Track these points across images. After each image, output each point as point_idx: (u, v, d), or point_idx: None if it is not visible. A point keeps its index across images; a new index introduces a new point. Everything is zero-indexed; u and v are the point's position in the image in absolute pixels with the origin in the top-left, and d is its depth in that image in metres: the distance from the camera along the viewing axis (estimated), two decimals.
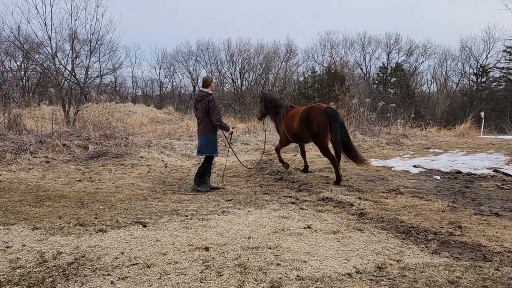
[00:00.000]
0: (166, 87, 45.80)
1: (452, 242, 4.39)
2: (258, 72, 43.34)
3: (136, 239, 4.25)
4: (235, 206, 5.85)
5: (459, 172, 9.10)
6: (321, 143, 7.98)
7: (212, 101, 6.92)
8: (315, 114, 7.96)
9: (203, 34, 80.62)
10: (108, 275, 3.36)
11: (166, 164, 9.62)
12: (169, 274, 3.39)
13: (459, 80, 45.42)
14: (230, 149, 8.48)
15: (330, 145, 8.07)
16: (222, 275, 3.39)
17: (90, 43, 13.70)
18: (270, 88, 42.42)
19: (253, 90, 41.51)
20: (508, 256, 3.93)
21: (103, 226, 4.69)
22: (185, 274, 3.39)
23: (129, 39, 58.14)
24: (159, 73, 45.22)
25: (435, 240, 4.44)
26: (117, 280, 3.27)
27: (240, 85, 43.41)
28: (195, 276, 3.35)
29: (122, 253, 3.84)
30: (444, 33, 61.63)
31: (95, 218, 5.07)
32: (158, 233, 4.46)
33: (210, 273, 3.41)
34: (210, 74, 44.52)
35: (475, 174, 8.89)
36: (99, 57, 15.33)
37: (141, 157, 9.83)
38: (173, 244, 4.12)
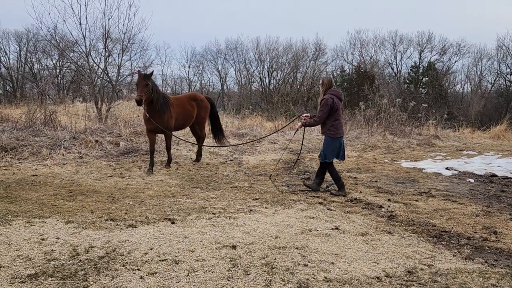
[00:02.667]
0: (195, 86, 46.31)
1: (487, 248, 4.24)
2: (286, 71, 43.16)
3: (165, 235, 4.31)
4: (262, 205, 5.85)
5: (494, 176, 8.78)
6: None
7: None
8: None
9: (232, 32, 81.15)
10: (138, 270, 3.42)
11: (194, 161, 9.73)
12: (196, 271, 3.42)
13: (494, 80, 43.81)
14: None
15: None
16: (249, 274, 3.39)
17: (122, 42, 13.99)
18: (298, 87, 42.23)
19: (281, 89, 41.42)
20: None
21: (133, 222, 4.79)
22: (212, 272, 3.42)
23: (160, 38, 59.06)
24: (188, 72, 45.72)
25: (469, 245, 4.31)
26: (146, 275, 3.33)
27: (268, 84, 43.37)
28: (222, 274, 3.37)
29: (151, 249, 3.91)
30: (480, 31, 59.54)
31: (126, 213, 5.18)
32: (186, 230, 4.52)
33: (237, 272, 3.43)
34: (239, 73, 44.74)
35: (511, 178, 8.56)
36: (130, 55, 15.63)
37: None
38: (201, 241, 4.16)
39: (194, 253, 3.82)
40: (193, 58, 46.01)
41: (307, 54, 43.63)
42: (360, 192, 6.99)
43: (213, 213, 5.30)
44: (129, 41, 14.14)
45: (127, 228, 4.57)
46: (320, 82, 6.88)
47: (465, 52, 43.53)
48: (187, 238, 4.26)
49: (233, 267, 3.53)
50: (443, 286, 3.24)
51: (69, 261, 3.59)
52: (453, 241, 4.45)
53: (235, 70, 44.79)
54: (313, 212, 5.51)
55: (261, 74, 43.75)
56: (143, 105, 7.98)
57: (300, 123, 6.94)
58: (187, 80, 45.54)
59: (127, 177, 7.68)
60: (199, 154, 9.77)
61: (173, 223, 4.81)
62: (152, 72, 8.22)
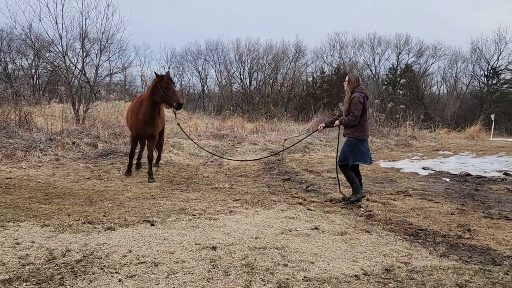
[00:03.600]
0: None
1: (461, 245, 4.35)
2: (267, 72, 43.29)
3: (144, 238, 4.27)
4: (242, 206, 5.85)
5: (469, 175, 9.02)
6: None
7: None
8: None
9: (212, 33, 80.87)
10: (116, 273, 3.38)
11: (174, 163, 9.65)
12: (176, 273, 3.40)
13: (469, 82, 44.99)
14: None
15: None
16: (229, 274, 3.39)
17: (100, 42, 13.78)
18: (279, 88, 42.41)
19: (262, 90, 41.52)
20: None
21: (112, 224, 4.72)
22: (192, 273, 3.40)
23: (139, 38, 58.42)
24: (168, 72, 45.38)
25: (444, 243, 4.41)
26: (125, 278, 3.29)
27: (248, 85, 43.41)
28: (202, 276, 3.36)
29: (130, 251, 3.86)
30: (455, 35, 61.06)
31: (104, 216, 5.11)
32: (166, 232, 4.48)
33: (217, 273, 3.42)
34: (219, 74, 44.62)
35: (484, 177, 8.81)
36: (109, 56, 15.47)
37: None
38: (181, 243, 4.14)
39: (174, 255, 3.80)
40: (173, 59, 45.72)
41: (288, 55, 43.88)
42: (340, 192, 7.06)
43: (193, 215, 5.27)
44: (107, 41, 13.94)
45: (105, 230, 4.50)
46: (346, 79, 6.33)
47: (441, 54, 44.57)
48: (166, 240, 4.22)
49: (213, 268, 3.52)
50: (419, 283, 3.31)
51: (45, 265, 3.51)
52: (429, 239, 4.55)
53: (215, 71, 44.70)
54: (293, 213, 5.55)
55: (241, 75, 43.75)
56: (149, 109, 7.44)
57: (337, 121, 6.31)
58: None
59: (105, 179, 7.57)
60: (158, 158, 8.97)
61: (152, 225, 4.77)
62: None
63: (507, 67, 42.06)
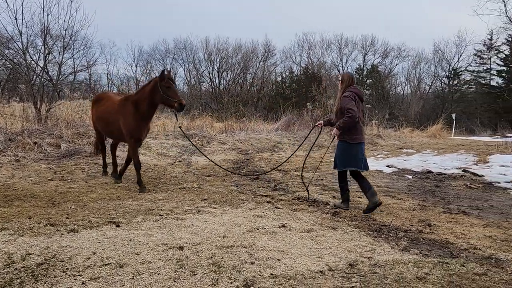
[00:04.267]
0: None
1: (422, 240, 4.52)
2: (236, 72, 43.31)
3: (109, 239, 4.19)
4: (210, 206, 5.84)
5: (430, 172, 9.35)
6: None
7: None
8: None
9: (180, 32, 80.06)
10: (79, 275, 3.30)
11: (141, 163, 9.50)
12: (142, 274, 3.36)
13: (432, 82, 46.66)
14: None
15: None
16: (196, 274, 3.38)
17: (64, 39, 13.35)
18: (248, 87, 42.48)
19: (231, 89, 41.49)
20: (474, 253, 4.08)
21: (75, 226, 4.60)
22: (158, 274, 3.37)
23: (104, 35, 57.00)
24: (135, 71, 44.54)
25: (405, 238, 4.56)
26: (89, 280, 3.22)
27: (218, 84, 43.28)
28: (168, 276, 3.34)
29: (94, 253, 3.78)
30: (418, 36, 63.10)
31: (67, 218, 4.97)
32: (132, 233, 4.41)
33: (184, 272, 3.41)
34: (188, 73, 44.19)
35: (445, 174, 9.16)
36: (72, 53, 14.94)
37: (116, 156, 9.66)
38: (147, 243, 4.09)
39: (140, 256, 3.75)
40: (141, 57, 44.98)
41: (257, 55, 44.06)
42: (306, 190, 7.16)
43: (160, 215, 5.22)
44: (70, 38, 13.54)
45: (68, 233, 4.39)
46: (340, 78, 5.91)
47: (405, 55, 45.99)
48: (132, 241, 4.16)
49: (180, 268, 3.50)
50: (381, 277, 3.41)
51: (3, 269, 3.39)
52: (391, 234, 4.69)
53: (184, 70, 44.31)
54: (261, 211, 5.59)
55: (211, 75, 43.57)
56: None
57: (335, 130, 5.70)
58: (134, 80, 44.30)
59: (69, 181, 7.36)
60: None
61: (118, 226, 4.69)
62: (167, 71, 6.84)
63: (467, 68, 43.92)
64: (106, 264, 3.54)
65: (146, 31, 60.54)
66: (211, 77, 43.35)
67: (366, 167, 5.77)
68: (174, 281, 3.24)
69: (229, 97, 32.19)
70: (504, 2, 17.05)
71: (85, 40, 15.58)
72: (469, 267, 3.67)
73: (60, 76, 14.25)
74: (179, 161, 10.11)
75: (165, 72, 6.62)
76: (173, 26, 63.37)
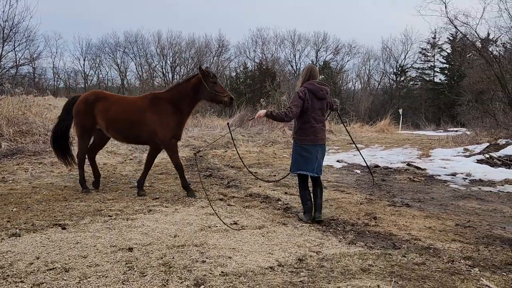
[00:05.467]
0: (92, 80, 43.54)
1: (367, 233, 4.73)
2: (190, 67, 42.80)
3: (54, 243, 4.04)
4: (162, 205, 5.77)
5: (377, 166, 9.76)
6: None
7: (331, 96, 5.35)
8: None
9: (131, 25, 77.77)
10: (21, 282, 3.17)
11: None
12: (89, 277, 3.28)
13: (380, 79, 48.54)
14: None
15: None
16: (146, 275, 3.35)
17: (3, 30, 12.64)
18: None
19: None
20: (414, 244, 4.33)
21: (17, 230, 4.39)
22: (106, 277, 3.30)
23: (49, 27, 54.34)
24: (84, 65, 42.84)
25: (352, 231, 4.76)
26: (31, 286, 3.10)
27: (171, 79, 42.56)
28: (117, 278, 3.28)
29: (38, 258, 3.64)
30: (368, 34, 65.28)
31: (8, 221, 4.73)
32: (79, 235, 4.28)
33: (133, 274, 3.36)
34: (140, 68, 43.08)
35: (391, 168, 9.59)
36: (14, 46, 14.19)
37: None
38: (95, 246, 3.98)
39: (87, 259, 3.65)
40: (89, 51, 43.33)
41: (210, 50, 43.80)
42: (260, 186, 7.26)
43: (109, 216, 5.09)
44: (11, 30, 12.83)
45: (9, 237, 4.18)
46: None
47: (355, 52, 47.50)
48: (79, 243, 4.04)
49: (129, 270, 3.45)
50: (328, 270, 3.54)
51: None
52: (339, 228, 4.87)
53: (135, 64, 43.24)
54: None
55: (163, 69, 42.83)
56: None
57: (265, 111, 5.20)
58: (83, 74, 42.60)
59: (10, 181, 7.00)
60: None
61: (64, 228, 4.53)
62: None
63: (413, 65, 46.06)
64: (50, 269, 3.41)
65: (94, 24, 58.32)
66: (164, 72, 42.63)
67: (317, 172, 5.15)
68: (123, 284, 3.19)
69: None
70: (445, 3, 17.98)
71: (27, 32, 14.81)
72: (410, 257, 3.89)
73: (1, 70, 13.45)
74: (130, 159, 9.88)
75: (205, 68, 6.35)
76: (122, 18, 61.46)
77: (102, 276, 3.31)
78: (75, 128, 6.77)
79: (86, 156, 6.85)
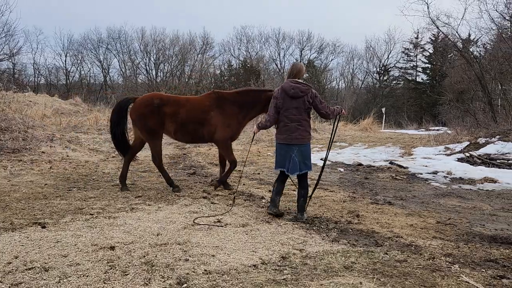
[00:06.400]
0: (73, 76, 42.81)
1: (350, 230, 4.76)
2: (174, 64, 42.49)
3: (33, 242, 3.96)
4: (145, 203, 5.71)
5: (360, 165, 9.85)
6: None
7: (317, 96, 5.14)
8: None
9: (114, 21, 76.73)
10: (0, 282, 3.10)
11: (71, 159, 9.04)
12: (69, 277, 3.22)
13: (364, 78, 49.03)
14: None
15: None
16: (128, 274, 3.31)
17: None
18: (186, 80, 41.83)
19: (169, 82, 40.62)
20: (396, 241, 4.38)
21: None
22: (87, 276, 3.25)
23: (29, 22, 53.18)
24: (65, 61, 42.07)
25: (335, 229, 4.78)
26: (10, 286, 3.03)
27: (155, 76, 42.19)
28: (98, 277, 3.23)
29: (17, 257, 3.56)
30: (352, 33, 65.83)
31: None
32: (59, 234, 4.20)
33: (115, 273, 3.31)
34: (123, 64, 42.53)
35: (373, 166, 9.70)
36: None
37: (43, 152, 9.12)
38: (75, 245, 3.92)
39: (67, 258, 3.58)
40: (71, 47, 42.52)
41: (195, 47, 43.54)
42: (244, 184, 7.26)
43: (90, 214, 5.01)
44: None
45: None
46: None
47: (339, 51, 47.90)
48: (59, 242, 3.97)
49: (110, 269, 3.40)
50: (312, 267, 3.56)
51: None
52: (323, 226, 4.90)
53: (118, 61, 42.69)
54: (197, 207, 5.56)
55: (147, 66, 42.40)
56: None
57: (255, 127, 5.51)
58: (64, 70, 41.83)
59: None
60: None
61: (43, 227, 4.44)
62: None
63: (396, 65, 46.66)
64: (29, 269, 3.34)
65: (76, 19, 57.35)
66: (148, 69, 42.20)
67: (291, 171, 5.14)
68: (104, 283, 3.14)
69: (167, 90, 31.53)
70: (427, 4, 18.24)
71: (6, 26, 14.42)
72: (392, 254, 3.93)
73: None
74: (113, 156, 9.75)
75: None
76: (105, 14, 60.58)
77: (83, 275, 3.25)
78: (141, 133, 6.55)
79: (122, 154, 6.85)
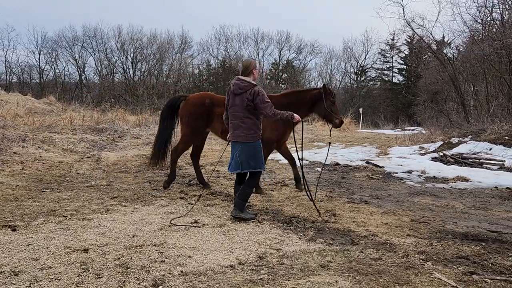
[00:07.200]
0: (48, 75, 41.76)
1: (327, 229, 4.80)
2: (152, 63, 41.96)
3: (3, 245, 3.83)
4: (120, 204, 5.62)
5: (337, 164, 9.96)
6: None
7: (259, 95, 4.92)
8: None
9: (89, 19, 75.32)
10: None
11: (44, 160, 8.81)
12: (40, 280, 3.13)
13: (342, 78, 49.65)
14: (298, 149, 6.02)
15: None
16: (101, 277, 3.24)
17: None
18: (164, 79, 41.39)
19: (146, 81, 40.12)
20: (372, 239, 4.44)
21: None
22: (59, 279, 3.17)
23: (0, 19, 51.60)
24: (39, 59, 40.99)
25: (312, 228, 4.81)
26: None
27: (132, 75, 41.56)
28: (70, 281, 3.15)
29: None
30: (330, 34, 66.50)
31: None
32: (30, 237, 4.09)
33: (88, 276, 3.24)
34: (99, 63, 41.74)
35: (350, 166, 9.82)
36: None
37: (14, 152, 8.86)
38: (47, 247, 3.82)
39: (39, 261, 3.49)
40: (45, 44, 41.40)
41: (173, 46, 43.10)
42: (221, 184, 7.23)
43: (64, 216, 4.90)
44: None
45: None
46: None
47: (317, 52, 48.35)
48: (30, 245, 3.86)
49: (84, 271, 3.32)
50: (288, 267, 3.57)
51: None
52: (300, 225, 4.92)
53: (94, 60, 41.84)
54: (173, 207, 5.51)
55: (124, 65, 41.72)
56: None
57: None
58: (38, 69, 40.75)
59: None
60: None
61: (14, 230, 4.30)
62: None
63: (373, 66, 47.42)
64: None
65: (50, 16, 55.97)
66: (125, 68, 41.53)
67: (230, 169, 5.16)
68: (77, 286, 3.07)
69: (144, 89, 31.14)
70: (403, 6, 18.64)
71: None
72: (367, 252, 3.98)
73: None
74: (88, 157, 9.55)
75: (328, 86, 6.46)
76: (80, 12, 59.36)
77: (55, 279, 3.17)
78: (185, 128, 6.61)
79: (191, 161, 7.09)
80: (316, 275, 3.40)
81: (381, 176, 8.68)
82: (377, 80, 47.95)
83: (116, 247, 3.91)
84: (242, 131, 5.00)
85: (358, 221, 5.15)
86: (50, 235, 4.16)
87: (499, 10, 16.41)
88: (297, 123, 5.41)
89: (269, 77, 44.46)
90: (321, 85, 6.42)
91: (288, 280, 3.28)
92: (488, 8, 16.59)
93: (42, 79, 40.80)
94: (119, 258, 3.62)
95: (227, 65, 40.68)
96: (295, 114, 5.14)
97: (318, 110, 6.56)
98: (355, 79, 48.30)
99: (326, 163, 10.08)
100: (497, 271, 3.59)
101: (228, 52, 46.26)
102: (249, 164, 5.02)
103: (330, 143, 7.11)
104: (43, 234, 4.21)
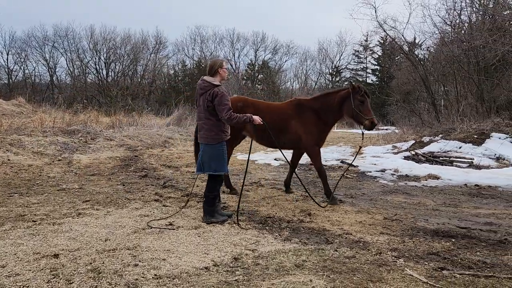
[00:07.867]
0: (17, 76, 40.51)
1: (302, 229, 4.83)
2: (126, 63, 41.29)
3: None
4: (93, 207, 5.49)
5: (312, 164, 10.03)
6: None
7: (218, 96, 4.76)
8: None
9: (60, 18, 73.54)
10: None
11: (12, 163, 8.53)
12: None
13: (317, 79, 50.14)
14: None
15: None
16: (72, 282, 3.16)
17: None
18: (139, 80, 40.81)
19: (120, 82, 39.46)
20: (346, 238, 4.49)
21: None
22: (27, 287, 3.07)
23: None
24: (7, 59, 39.71)
25: (288, 228, 4.83)
26: None
27: (105, 76, 40.79)
28: None
29: None
30: (305, 35, 67.09)
31: None
32: None
33: (58, 282, 3.15)
34: (71, 63, 40.76)
35: (326, 165, 9.91)
36: None
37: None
38: (15, 254, 3.69)
39: (5, 269, 3.37)
40: (13, 44, 40.17)
41: (148, 46, 42.56)
42: (197, 186, 7.17)
43: (33, 221, 4.75)
44: None
45: None
46: None
47: (293, 52, 48.80)
48: None
49: (54, 278, 3.23)
50: (264, 267, 3.57)
51: None
52: (275, 226, 4.93)
53: (66, 60, 40.87)
54: (148, 210, 5.43)
55: (97, 65, 40.89)
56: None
57: None
58: (6, 69, 39.45)
59: None
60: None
61: None
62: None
63: (347, 66, 48.09)
64: None
65: (18, 15, 54.32)
66: (98, 68, 40.71)
67: (197, 170, 5.13)
68: None
69: (118, 90, 30.63)
70: (375, 8, 18.99)
71: None
72: (341, 251, 4.03)
73: None
74: (59, 160, 9.31)
75: (357, 84, 6.14)
76: (51, 11, 57.86)
77: (23, 286, 3.07)
78: None
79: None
80: (291, 274, 3.42)
81: (355, 175, 8.80)
82: (352, 81, 48.65)
83: (88, 251, 3.82)
84: (204, 132, 4.94)
85: (332, 220, 5.21)
86: (18, 241, 4.03)
87: (467, 12, 16.94)
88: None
89: (245, 77, 44.48)
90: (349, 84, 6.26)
91: (263, 281, 3.28)
92: (456, 11, 17.10)
93: (10, 80, 39.56)
94: (91, 263, 3.54)
95: (203, 65, 40.39)
96: (254, 116, 5.03)
97: (346, 111, 6.25)
98: (330, 79, 48.89)
99: (301, 162, 10.14)
100: (466, 266, 3.70)
101: (203, 53, 46.05)
102: (210, 166, 4.91)
103: (361, 147, 6.88)
104: (10, 240, 4.07)
